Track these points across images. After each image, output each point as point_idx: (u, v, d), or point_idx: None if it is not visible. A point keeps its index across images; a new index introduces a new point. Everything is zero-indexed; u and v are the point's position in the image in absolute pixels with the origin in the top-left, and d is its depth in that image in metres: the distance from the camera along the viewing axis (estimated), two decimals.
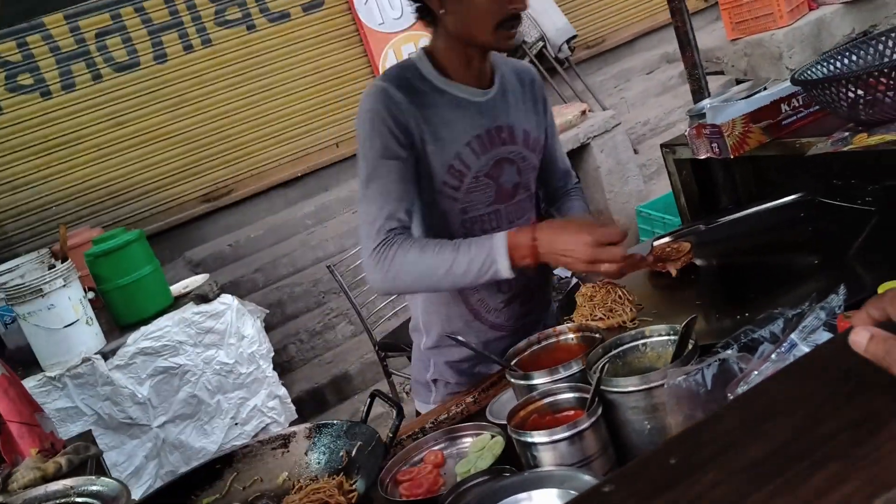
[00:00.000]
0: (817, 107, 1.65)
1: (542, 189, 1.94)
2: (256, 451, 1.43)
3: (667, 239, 1.83)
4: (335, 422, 1.37)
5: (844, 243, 1.59)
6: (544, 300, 1.94)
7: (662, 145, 1.96)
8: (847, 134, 1.44)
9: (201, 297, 4.33)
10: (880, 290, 1.11)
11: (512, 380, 1.39)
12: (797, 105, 1.64)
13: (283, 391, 4.37)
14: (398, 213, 1.58)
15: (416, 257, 1.54)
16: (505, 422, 1.45)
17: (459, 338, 1.41)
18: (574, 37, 6.23)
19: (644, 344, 1.36)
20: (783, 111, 1.63)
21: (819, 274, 1.49)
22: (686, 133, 1.74)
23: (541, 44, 5.97)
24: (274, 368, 4.38)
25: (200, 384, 4.28)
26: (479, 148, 1.66)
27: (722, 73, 6.74)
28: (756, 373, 0.96)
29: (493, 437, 1.49)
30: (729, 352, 1.05)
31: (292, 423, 4.37)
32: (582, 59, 6.80)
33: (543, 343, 1.50)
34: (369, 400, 1.41)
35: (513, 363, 1.44)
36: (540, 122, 1.80)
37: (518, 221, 1.76)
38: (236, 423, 4.35)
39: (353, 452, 1.32)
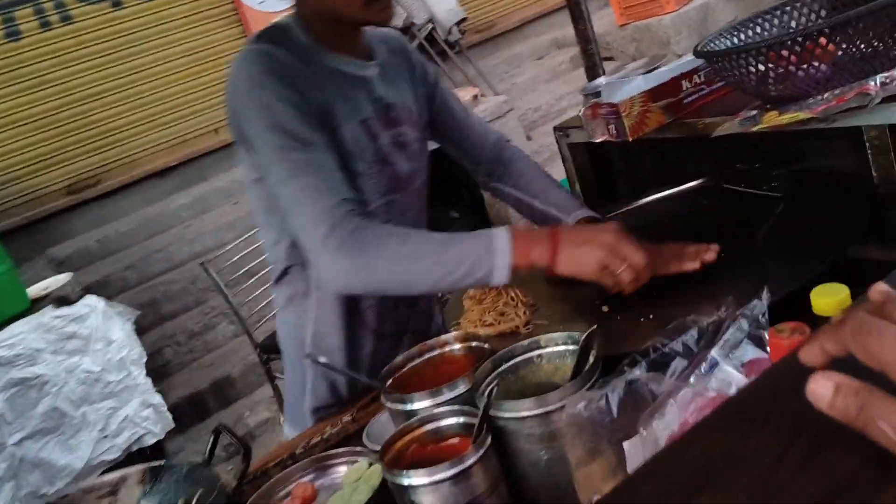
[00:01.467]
0: (721, 83, 1.51)
1: (476, 165, 1.71)
2: (78, 501, 1.17)
3: None
4: (174, 464, 1.12)
5: (751, 234, 1.45)
6: (428, 303, 1.73)
7: (556, 128, 1.79)
8: (755, 112, 1.30)
9: (62, 300, 3.94)
10: (815, 297, 0.95)
11: (387, 404, 1.18)
12: (699, 82, 1.50)
13: (157, 399, 4.04)
14: (347, 190, 1.31)
15: (398, 245, 1.27)
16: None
17: (321, 359, 1.19)
18: (464, 19, 6.07)
19: (539, 356, 1.18)
20: (684, 88, 1.48)
21: (729, 269, 1.35)
22: (581, 114, 1.56)
23: (430, 26, 5.78)
24: (147, 374, 4.05)
25: (63, 395, 3.90)
26: (375, 128, 1.44)
27: (612, 58, 6.73)
28: (672, 402, 0.79)
29: (370, 465, 1.28)
30: (637, 372, 0.87)
31: (169, 434, 4.05)
32: (473, 42, 6.65)
33: (426, 356, 1.30)
34: (212, 437, 1.18)
35: (388, 384, 1.23)
36: (419, 95, 1.60)
37: (410, 213, 1.55)
38: (106, 436, 3.99)
39: (193, 502, 1.08)
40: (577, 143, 1.76)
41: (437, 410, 1.12)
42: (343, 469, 1.33)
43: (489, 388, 1.01)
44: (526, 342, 1.17)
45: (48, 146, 5.27)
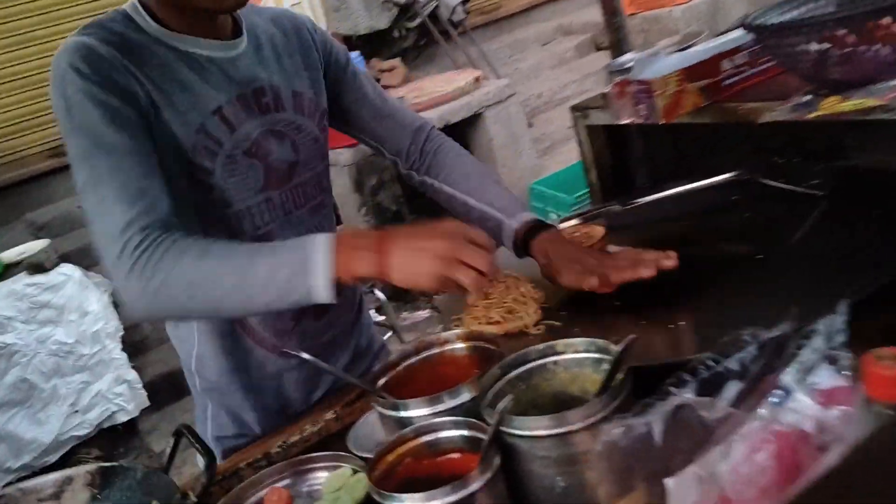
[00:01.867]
0: (765, 66, 1.35)
1: (398, 157, 1.51)
2: (16, 503, 1.01)
3: (574, 221, 1.51)
4: (128, 467, 0.97)
5: (787, 234, 1.31)
6: (350, 308, 1.52)
7: (573, 108, 1.63)
8: (810, 98, 1.15)
9: (36, 267, 3.76)
10: None
11: (378, 409, 1.03)
12: (741, 62, 1.34)
13: (133, 375, 3.88)
14: (150, 201, 1.11)
15: (195, 262, 1.07)
16: (370, 455, 1.10)
17: (305, 354, 1.03)
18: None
19: (555, 362, 1.03)
20: (725, 69, 1.33)
21: (764, 274, 1.20)
22: (607, 92, 1.41)
23: (434, 4, 5.59)
24: (123, 349, 3.89)
25: (33, 366, 3.74)
26: (233, 117, 1.25)
27: None
28: (737, 438, 0.64)
29: (354, 472, 1.13)
30: (687, 395, 0.72)
31: (143, 412, 3.89)
32: (477, 24, 6.46)
33: (423, 355, 1.15)
34: (173, 440, 1.02)
35: (379, 385, 1.08)
36: (316, 78, 1.39)
37: (298, 212, 1.35)
38: (76, 411, 3.84)
39: None
40: (596, 125, 1.60)
41: (436, 420, 0.97)
42: (323, 475, 1.19)
43: (505, 402, 0.85)
44: (541, 346, 1.02)
45: (30, 107, 5.07)
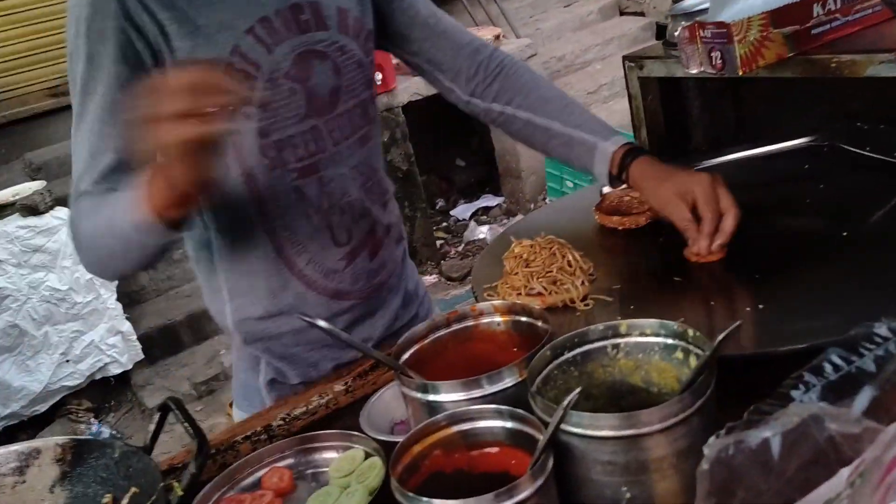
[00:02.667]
0: (862, 14, 1.17)
1: (455, 83, 1.34)
2: None
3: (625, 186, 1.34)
4: (105, 443, 0.81)
5: (872, 209, 1.14)
6: (398, 247, 1.39)
7: (625, 57, 1.45)
8: None
9: (29, 209, 3.60)
10: None
11: (404, 391, 0.87)
12: (833, 9, 1.16)
13: (127, 326, 3.75)
14: (110, 164, 1.09)
15: (93, 223, 1.09)
16: (386, 437, 0.96)
17: (321, 322, 0.86)
18: None
19: (616, 346, 0.86)
20: (815, 15, 1.15)
21: (853, 251, 1.03)
22: (676, 36, 1.22)
23: None
24: (118, 299, 3.75)
25: (24, 312, 3.61)
26: (268, 36, 1.12)
27: (643, 14, 6.33)
28: (873, 458, 0.48)
29: (367, 456, 0.99)
30: (819, 403, 0.56)
31: (137, 365, 3.76)
32: None
33: (454, 328, 0.99)
34: (158, 416, 0.87)
35: (403, 361, 0.92)
36: None
37: (346, 143, 1.23)
38: (68, 360, 3.72)
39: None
40: (650, 77, 1.43)
41: (475, 408, 0.81)
42: (331, 456, 1.04)
43: (572, 397, 0.69)
44: (601, 326, 0.86)
45: (31, 42, 4.85)
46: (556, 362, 0.85)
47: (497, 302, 0.98)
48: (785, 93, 1.36)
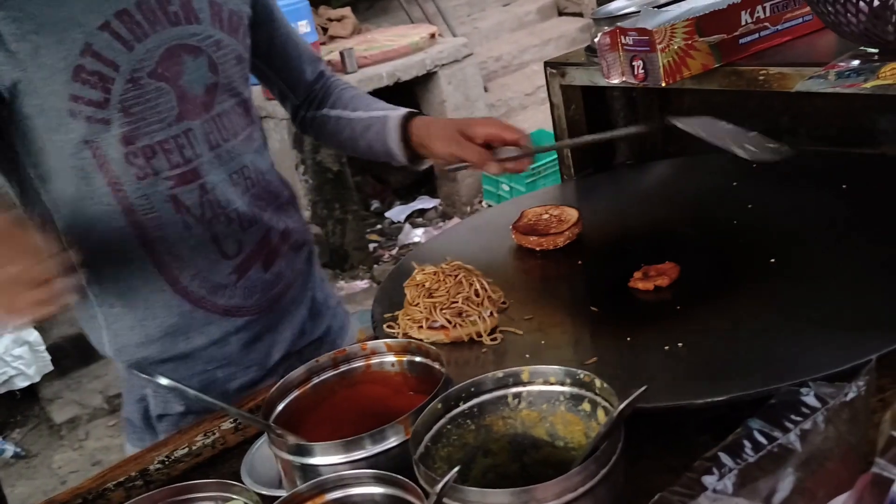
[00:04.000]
0: (793, 23, 1.09)
1: (293, 92, 1.32)
2: None
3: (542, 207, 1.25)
4: None
5: (801, 233, 1.06)
6: (301, 257, 1.29)
7: (547, 63, 1.35)
8: (858, 63, 0.89)
9: None
10: None
11: (276, 452, 0.75)
12: (762, 17, 1.08)
13: (35, 336, 3.52)
14: None
15: None
16: (269, 491, 0.84)
17: (162, 380, 0.73)
18: None
19: (517, 395, 0.76)
20: (744, 24, 1.06)
21: (786, 280, 0.95)
22: (594, 42, 1.13)
23: None
24: None
25: None
26: (128, 31, 1.01)
27: (581, 14, 6.30)
28: None
29: None
30: (734, 499, 0.46)
31: (45, 377, 3.53)
32: None
33: (342, 369, 0.87)
34: None
35: (274, 417, 0.80)
36: None
37: (228, 144, 1.13)
38: None
39: None
40: (573, 86, 1.33)
41: (348, 473, 0.70)
42: None
43: (451, 476, 0.58)
44: (500, 373, 0.76)
45: None
46: (449, 415, 0.74)
47: (389, 340, 0.87)
48: (714, 103, 1.28)
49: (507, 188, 4.53)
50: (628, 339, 0.91)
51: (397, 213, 5.24)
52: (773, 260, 1.00)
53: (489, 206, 4.81)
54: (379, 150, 1.24)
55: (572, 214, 1.19)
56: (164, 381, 0.71)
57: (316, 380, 0.86)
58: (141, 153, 1.05)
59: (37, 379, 3.52)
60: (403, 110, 1.23)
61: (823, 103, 0.97)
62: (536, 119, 5.13)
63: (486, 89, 5.25)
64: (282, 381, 0.83)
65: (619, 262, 1.11)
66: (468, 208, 4.96)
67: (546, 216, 1.21)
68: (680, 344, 0.87)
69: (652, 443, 0.77)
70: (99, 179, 1.05)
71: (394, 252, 4.79)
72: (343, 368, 0.87)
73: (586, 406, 0.73)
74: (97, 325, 1.18)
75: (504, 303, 1.03)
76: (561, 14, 6.30)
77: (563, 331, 0.98)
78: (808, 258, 0.99)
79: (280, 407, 0.82)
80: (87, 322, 1.20)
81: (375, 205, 5.40)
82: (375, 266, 4.63)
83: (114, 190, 1.06)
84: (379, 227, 5.16)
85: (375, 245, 4.91)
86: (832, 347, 0.77)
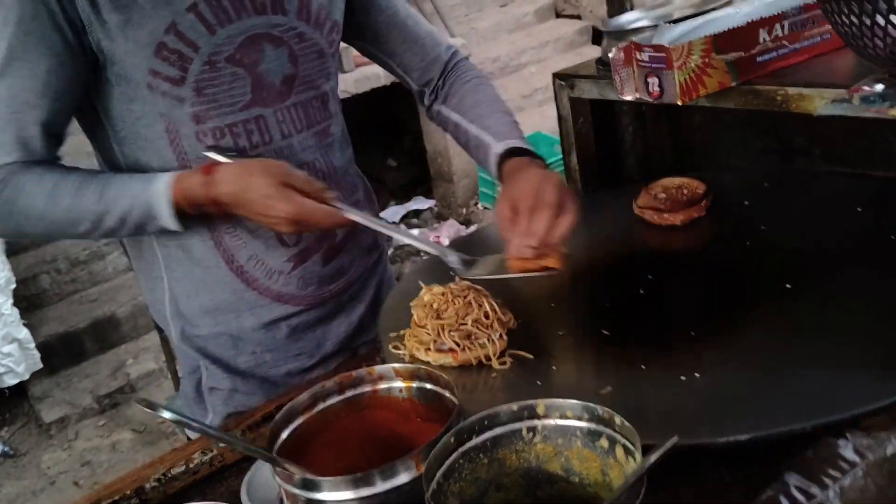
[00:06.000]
0: (812, 41, 1.07)
1: (408, 74, 1.29)
2: None
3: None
4: None
5: (818, 256, 1.04)
6: (367, 253, 1.29)
7: (556, 75, 1.33)
8: (882, 87, 0.87)
9: None
10: None
11: (282, 485, 0.72)
12: (780, 35, 1.05)
13: (24, 333, 3.47)
14: (34, 142, 1.03)
15: (43, 204, 1.05)
16: None
17: (166, 413, 0.70)
18: None
19: (531, 428, 0.73)
20: (762, 41, 1.04)
21: (805, 305, 0.93)
22: (609, 57, 1.10)
23: None
24: (15, 304, 3.46)
25: None
26: (213, 15, 1.03)
27: (579, 17, 6.28)
28: None
29: None
30: None
31: (35, 375, 3.49)
32: None
33: (348, 394, 0.84)
34: None
35: (279, 444, 0.77)
36: None
37: (300, 136, 1.15)
38: None
39: None
40: (582, 99, 1.31)
41: None
42: None
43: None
44: (515, 406, 0.73)
45: None
46: (461, 449, 0.72)
47: (398, 365, 0.84)
48: (726, 121, 1.25)
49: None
50: (643, 366, 0.89)
51: (392, 213, 5.21)
52: (788, 285, 0.98)
53: (485, 208, 4.79)
54: (486, 169, 1.21)
55: (699, 186, 1.21)
56: (167, 414, 0.68)
57: (322, 405, 0.83)
58: (210, 133, 1.07)
59: (26, 377, 3.47)
60: (503, 146, 1.14)
61: (839, 124, 0.94)
62: (533, 121, 5.10)
63: None
64: (286, 407, 0.81)
65: (628, 281, 1.09)
66: (463, 210, 4.94)
67: (673, 188, 1.22)
68: (697, 374, 0.84)
69: (665, 474, 0.75)
70: (169, 153, 1.08)
71: (389, 253, 4.76)
72: (349, 394, 0.85)
73: (604, 442, 0.70)
74: (161, 287, 1.20)
75: (513, 325, 1.01)
76: (559, 16, 6.28)
77: (574, 355, 0.95)
78: (826, 284, 0.97)
79: (285, 434, 0.79)
80: (152, 283, 1.22)
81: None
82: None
83: (181, 165, 1.09)
84: None
85: None
86: (858, 384, 0.74)
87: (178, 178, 1.04)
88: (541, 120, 5.03)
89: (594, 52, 5.90)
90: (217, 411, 1.26)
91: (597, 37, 6.05)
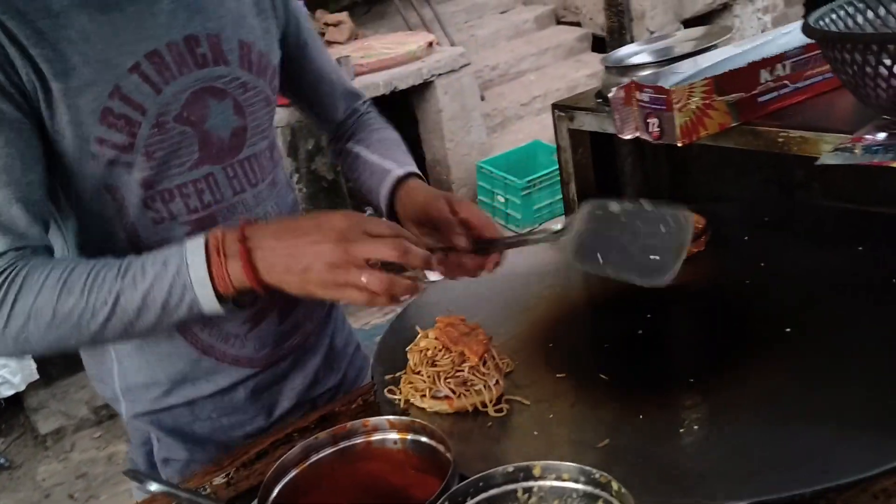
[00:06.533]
0: (812, 81, 1.06)
1: (323, 125, 1.31)
2: None
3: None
4: None
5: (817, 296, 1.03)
6: (321, 303, 1.25)
7: (555, 106, 1.32)
8: (885, 136, 0.86)
9: None
10: None
11: None
12: (782, 75, 1.04)
13: None
14: (18, 221, 0.91)
15: (54, 297, 0.89)
16: None
17: (153, 485, 0.68)
18: None
19: (527, 489, 0.72)
20: (763, 81, 1.03)
21: (804, 352, 0.92)
22: (608, 94, 1.09)
23: None
24: None
25: None
26: (157, 74, 0.97)
27: (579, 24, 6.26)
28: None
29: None
30: None
31: (31, 386, 3.47)
32: None
33: (341, 445, 0.83)
34: None
35: (275, 495, 0.76)
36: (269, 26, 1.11)
37: (254, 190, 1.10)
38: None
39: None
40: (581, 131, 1.30)
41: None
42: None
43: None
44: (511, 468, 0.72)
45: None
46: None
47: (392, 418, 0.83)
48: (725, 154, 1.24)
49: (502, 199, 4.50)
50: (640, 416, 0.87)
51: None
52: (788, 329, 0.97)
53: None
54: (374, 197, 1.20)
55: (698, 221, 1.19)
56: (155, 486, 0.67)
57: (314, 457, 0.82)
58: (159, 197, 1.01)
59: (22, 388, 3.46)
60: (403, 171, 1.16)
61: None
62: (532, 130, 5.09)
63: (482, 98, 5.21)
64: (278, 462, 0.79)
65: (624, 320, 1.08)
66: None
67: None
68: (695, 427, 0.83)
69: None
70: (116, 224, 1.01)
71: None
72: (343, 445, 0.84)
73: None
74: (109, 360, 1.14)
75: (511, 369, 1.00)
76: (559, 23, 6.27)
77: (571, 402, 0.94)
78: (826, 328, 0.96)
79: (276, 489, 0.78)
80: (98, 358, 1.15)
81: (368, 212, 5.35)
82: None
83: (129, 234, 1.03)
84: None
85: None
86: (859, 445, 0.73)
87: (214, 240, 0.90)
88: (539, 129, 5.02)
89: (594, 59, 5.88)
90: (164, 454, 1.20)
91: (597, 44, 6.05)
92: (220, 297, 0.89)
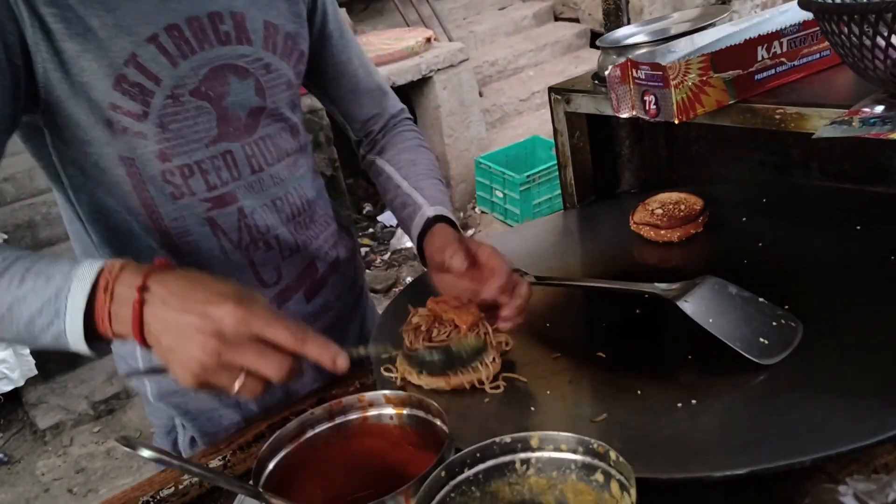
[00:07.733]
0: (810, 59, 1.05)
1: (348, 124, 1.27)
2: None
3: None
4: None
5: (811, 282, 1.03)
6: (351, 285, 1.26)
7: (551, 89, 1.31)
8: (882, 109, 0.85)
9: None
10: None
11: None
12: (779, 52, 1.04)
13: None
14: None
15: None
16: None
17: (145, 452, 0.68)
18: None
19: (525, 461, 0.72)
20: (760, 59, 1.02)
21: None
22: (601, 70, 1.09)
23: None
24: None
25: None
26: (175, 47, 0.96)
27: (577, 20, 6.26)
28: None
29: None
30: None
31: (29, 381, 3.47)
32: None
33: (337, 421, 0.83)
34: None
35: (270, 469, 0.76)
36: (297, 13, 1.10)
37: (272, 169, 1.10)
38: None
39: None
40: (578, 114, 1.29)
41: None
42: None
43: None
44: (508, 438, 0.72)
45: None
46: (453, 483, 0.70)
47: (388, 392, 0.83)
48: (723, 133, 1.24)
49: (500, 195, 4.49)
50: (638, 391, 0.87)
51: (389, 216, 5.19)
52: (787, 306, 0.96)
53: (482, 212, 4.78)
54: (405, 228, 1.18)
55: (696, 202, 1.20)
56: (146, 453, 0.67)
57: (310, 433, 0.82)
58: (178, 171, 1.01)
59: (21, 383, 3.46)
60: (433, 212, 1.12)
61: (837, 139, 0.93)
62: (531, 125, 5.09)
63: (480, 94, 5.21)
64: (273, 436, 0.79)
65: (624, 300, 1.07)
66: (461, 214, 4.92)
67: (669, 203, 1.22)
68: (693, 401, 0.83)
69: (659, 497, 0.73)
70: (133, 198, 1.01)
71: (385, 257, 4.74)
72: (339, 420, 0.83)
73: (599, 477, 0.69)
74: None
75: (508, 347, 0.99)
76: (557, 19, 6.27)
77: (568, 379, 0.94)
78: (824, 306, 0.96)
79: (271, 465, 0.78)
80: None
81: (368, 208, 5.35)
82: (367, 271, 4.59)
83: (147, 210, 1.02)
84: (371, 230, 5.11)
85: (367, 250, 4.86)
86: (856, 415, 0.73)
87: (101, 304, 0.78)
88: (538, 124, 5.02)
89: (592, 55, 5.88)
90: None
91: (595, 40, 6.05)
92: (93, 335, 0.78)
